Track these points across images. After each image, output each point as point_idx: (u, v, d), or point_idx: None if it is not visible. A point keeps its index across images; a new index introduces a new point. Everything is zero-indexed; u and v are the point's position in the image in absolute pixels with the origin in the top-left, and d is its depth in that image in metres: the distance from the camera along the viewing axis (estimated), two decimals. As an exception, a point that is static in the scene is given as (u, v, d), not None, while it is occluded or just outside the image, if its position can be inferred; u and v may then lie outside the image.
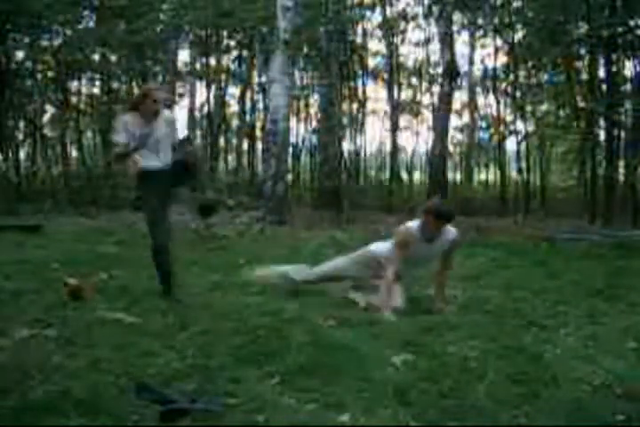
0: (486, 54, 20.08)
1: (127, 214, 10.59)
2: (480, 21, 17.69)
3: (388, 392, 2.70)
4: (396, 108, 19.19)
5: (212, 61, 19.53)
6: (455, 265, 6.29)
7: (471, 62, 20.04)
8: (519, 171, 17.94)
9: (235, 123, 22.02)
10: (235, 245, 7.65)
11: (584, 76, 15.11)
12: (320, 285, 4.86)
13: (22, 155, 19.64)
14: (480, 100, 21.61)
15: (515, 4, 15.95)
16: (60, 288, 4.49)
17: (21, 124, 18.65)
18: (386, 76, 19.69)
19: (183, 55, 31.13)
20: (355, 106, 20.24)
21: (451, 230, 4.39)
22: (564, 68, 15.54)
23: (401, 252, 4.33)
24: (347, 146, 19.04)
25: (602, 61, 13.50)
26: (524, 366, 3.06)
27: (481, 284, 5.33)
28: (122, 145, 4.38)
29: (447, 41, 15.24)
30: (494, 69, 18.87)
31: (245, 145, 20.87)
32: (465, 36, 19.41)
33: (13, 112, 16.80)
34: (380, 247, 4.63)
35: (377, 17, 19.64)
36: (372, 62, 20.57)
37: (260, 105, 20.13)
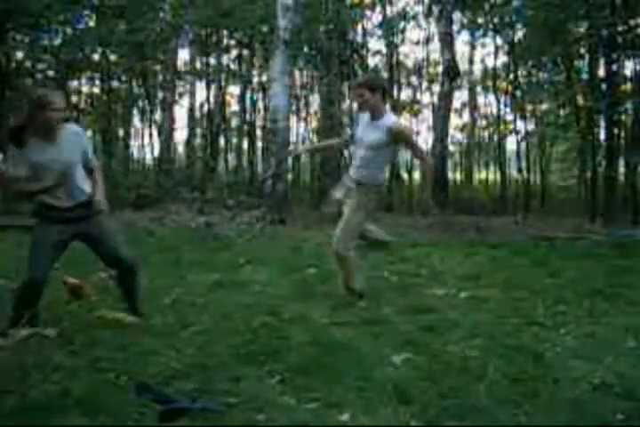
0: (486, 53, 20.17)
1: (127, 214, 10.59)
2: (480, 21, 17.70)
3: (388, 392, 2.70)
4: (396, 107, 19.19)
5: (212, 61, 19.55)
6: (455, 264, 6.33)
7: (471, 62, 20.09)
8: (519, 170, 17.95)
9: (235, 122, 22.05)
10: (235, 244, 7.64)
11: (584, 76, 15.11)
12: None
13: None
14: (480, 99, 21.66)
15: (515, 4, 15.95)
16: (61, 288, 4.49)
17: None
18: (386, 75, 19.68)
19: (183, 54, 31.19)
20: (355, 105, 20.26)
21: (391, 117, 4.40)
22: (565, 67, 15.54)
23: None
24: (347, 145, 19.05)
25: (602, 60, 13.51)
26: (524, 365, 3.06)
27: (481, 283, 5.32)
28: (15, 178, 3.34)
29: (447, 40, 15.23)
30: (494, 69, 18.89)
31: (245, 144, 20.89)
32: (465, 35, 19.47)
33: (13, 112, 16.79)
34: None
35: (377, 16, 19.67)
36: (371, 61, 20.60)
37: (260, 104, 20.17)
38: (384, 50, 19.81)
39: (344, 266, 4.51)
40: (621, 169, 13.71)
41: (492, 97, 20.63)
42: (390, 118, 4.38)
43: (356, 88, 4.51)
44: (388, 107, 4.47)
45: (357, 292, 4.51)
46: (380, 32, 19.84)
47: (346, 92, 18.69)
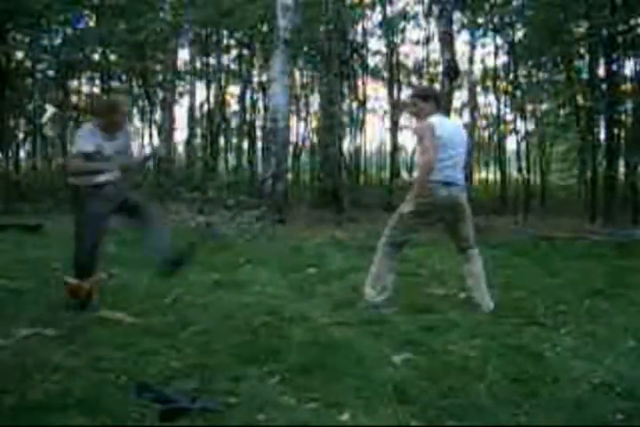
0: (486, 53, 20.13)
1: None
2: (480, 21, 17.70)
3: (388, 391, 2.70)
4: (397, 107, 19.19)
5: (212, 61, 19.54)
6: (455, 264, 6.32)
7: (471, 62, 20.06)
8: (519, 170, 17.95)
9: (235, 122, 22.04)
10: (235, 244, 7.64)
11: (584, 76, 15.12)
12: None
13: (22, 154, 19.70)
14: (480, 99, 21.65)
15: (515, 4, 15.95)
16: (61, 288, 4.48)
17: (22, 123, 18.69)
18: (386, 74, 19.70)
19: (183, 54, 31.15)
20: (355, 105, 20.27)
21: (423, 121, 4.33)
22: (565, 67, 15.55)
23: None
24: (347, 145, 19.10)
25: (602, 60, 13.51)
26: (524, 364, 3.06)
27: (481, 283, 5.32)
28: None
29: (447, 40, 15.21)
30: (494, 69, 18.88)
31: (245, 144, 20.89)
32: (465, 35, 19.44)
33: (14, 111, 16.81)
34: None
35: (377, 16, 19.67)
36: (372, 61, 20.62)
37: (260, 104, 20.17)
38: (384, 50, 19.83)
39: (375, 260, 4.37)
40: (621, 169, 13.72)
41: (492, 97, 20.65)
42: (420, 122, 4.32)
43: (410, 98, 4.66)
44: (437, 113, 4.30)
45: (366, 297, 4.34)
46: (379, 32, 19.86)
47: (346, 91, 18.72)
